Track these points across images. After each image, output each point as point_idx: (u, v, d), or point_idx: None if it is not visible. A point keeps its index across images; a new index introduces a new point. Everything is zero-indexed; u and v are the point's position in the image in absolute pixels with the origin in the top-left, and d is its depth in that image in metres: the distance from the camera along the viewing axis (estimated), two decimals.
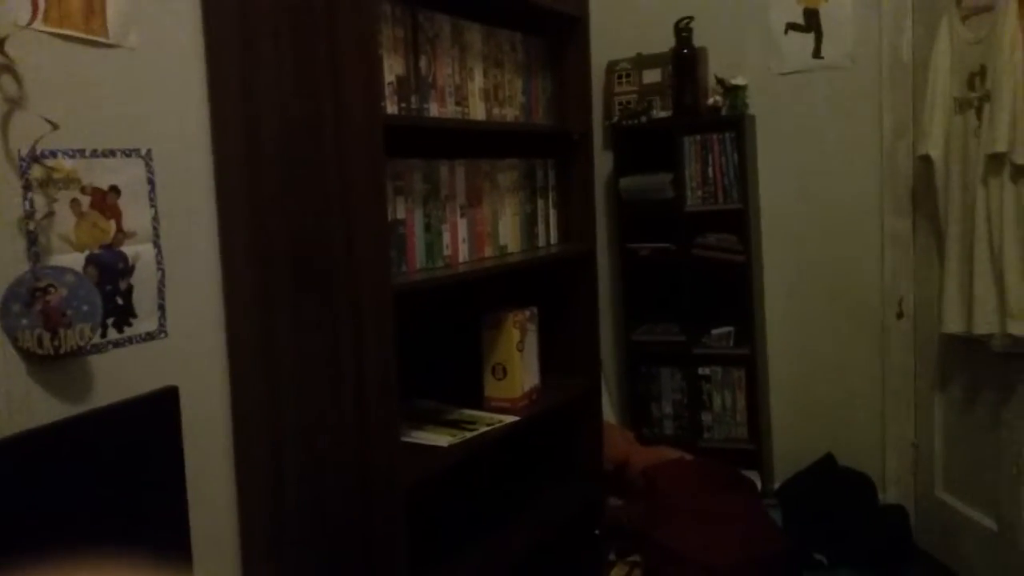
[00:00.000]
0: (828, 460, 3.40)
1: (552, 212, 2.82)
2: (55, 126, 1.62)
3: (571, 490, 2.80)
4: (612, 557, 2.88)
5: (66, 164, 1.66)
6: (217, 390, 2.02)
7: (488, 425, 2.29)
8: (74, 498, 1.48)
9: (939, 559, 3.09)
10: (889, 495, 3.36)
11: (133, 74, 1.82)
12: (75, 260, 1.67)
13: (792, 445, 3.55)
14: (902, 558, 3.10)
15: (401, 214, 2.15)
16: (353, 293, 1.86)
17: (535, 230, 2.73)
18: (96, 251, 1.72)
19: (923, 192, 3.12)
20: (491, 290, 2.78)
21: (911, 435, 3.30)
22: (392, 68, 2.10)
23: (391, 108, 2.10)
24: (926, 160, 2.95)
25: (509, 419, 2.34)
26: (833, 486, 3.28)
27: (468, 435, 2.20)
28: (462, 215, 2.37)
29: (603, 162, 3.71)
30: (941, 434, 3.11)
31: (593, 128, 2.90)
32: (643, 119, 3.51)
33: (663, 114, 3.51)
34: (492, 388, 2.46)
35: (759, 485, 3.29)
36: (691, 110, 3.41)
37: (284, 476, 2.00)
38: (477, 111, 2.44)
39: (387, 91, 2.08)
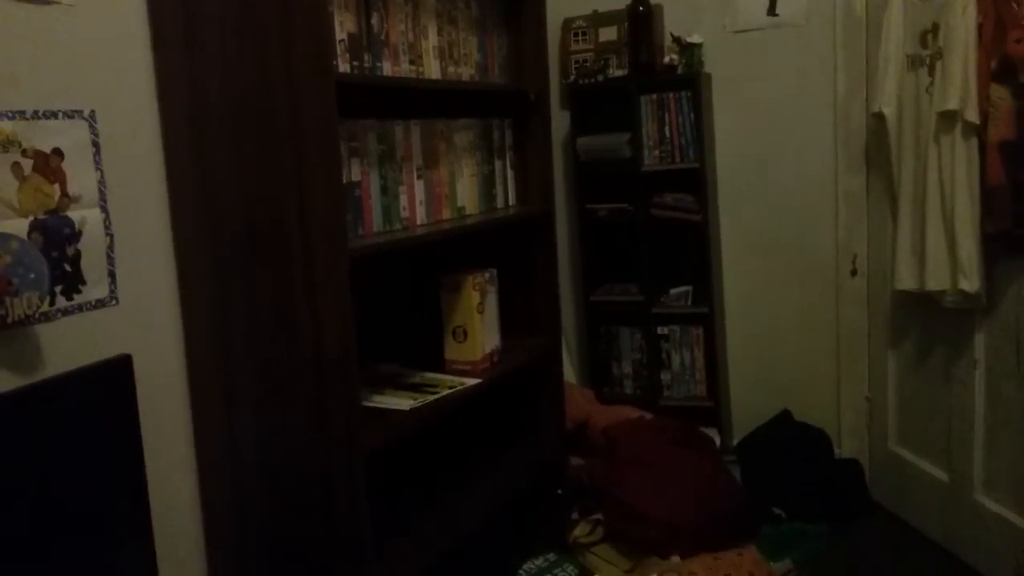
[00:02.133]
0: (785, 416, 3.45)
1: (510, 173, 2.79)
2: None
3: (533, 450, 2.81)
4: (574, 515, 2.90)
5: (5, 126, 1.60)
6: (172, 357, 1.98)
7: (449, 388, 2.28)
8: (26, 471, 1.44)
9: (893, 511, 3.16)
10: (844, 449, 3.42)
11: (73, 32, 1.75)
12: (19, 226, 1.62)
13: (750, 402, 3.60)
14: (857, 511, 3.16)
15: (357, 176, 2.11)
16: (308, 257, 1.83)
17: (493, 191, 2.71)
18: (41, 216, 1.67)
19: (877, 149, 3.14)
20: (450, 252, 2.76)
21: (865, 390, 3.35)
22: (343, 25, 2.05)
23: (343, 67, 2.05)
24: (879, 117, 2.96)
25: (470, 381, 2.34)
26: (790, 441, 3.33)
27: (430, 398, 2.19)
28: (419, 176, 2.34)
29: (560, 121, 3.67)
30: (894, 389, 3.17)
31: (550, 87, 2.87)
32: (600, 78, 3.49)
33: (619, 73, 3.49)
34: (453, 351, 2.45)
35: (718, 442, 3.34)
36: (647, 68, 3.39)
37: (243, 443, 1.98)
38: (431, 70, 2.40)
39: (338, 49, 2.03)
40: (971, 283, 2.55)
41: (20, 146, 1.63)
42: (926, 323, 2.92)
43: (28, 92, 1.66)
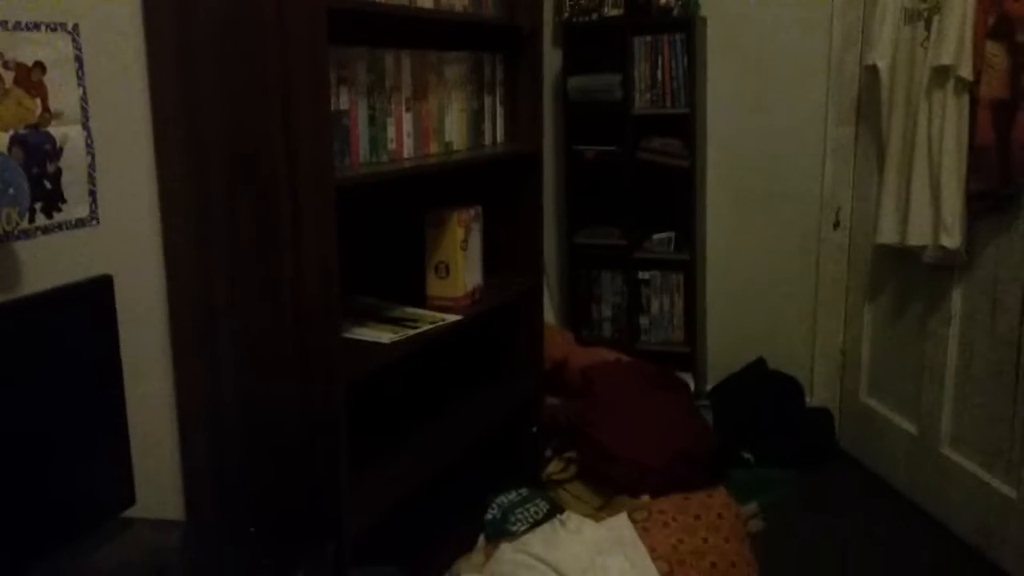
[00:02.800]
0: (759, 364, 3.50)
1: (499, 109, 2.76)
2: None
3: (510, 387, 2.83)
4: (548, 453, 2.94)
5: None
6: (152, 280, 1.96)
7: (430, 323, 2.28)
8: (3, 389, 1.43)
9: (861, 460, 3.23)
10: (816, 399, 3.48)
11: None
12: None
13: (726, 349, 3.64)
14: (826, 458, 3.23)
15: (345, 105, 2.08)
16: (293, 184, 1.81)
17: (481, 127, 2.68)
18: (21, 131, 1.63)
19: (868, 102, 3.13)
20: (435, 187, 2.73)
21: (840, 342, 3.40)
22: None
23: None
24: (872, 70, 2.95)
25: (451, 317, 2.34)
26: (762, 389, 3.39)
27: (410, 332, 2.19)
28: (408, 109, 2.31)
29: (551, 60, 3.63)
30: (868, 342, 3.21)
31: (543, 23, 2.82)
32: (594, 16, 3.44)
33: (615, 12, 3.44)
34: (435, 287, 2.45)
35: (692, 387, 3.38)
36: (643, 9, 3.35)
37: (222, 370, 1.97)
38: None
39: None
40: (953, 239, 2.57)
41: (1, 57, 1.58)
42: (905, 278, 2.95)
43: (9, 2, 1.61)
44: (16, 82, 1.61)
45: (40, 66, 1.66)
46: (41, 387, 1.49)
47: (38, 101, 1.66)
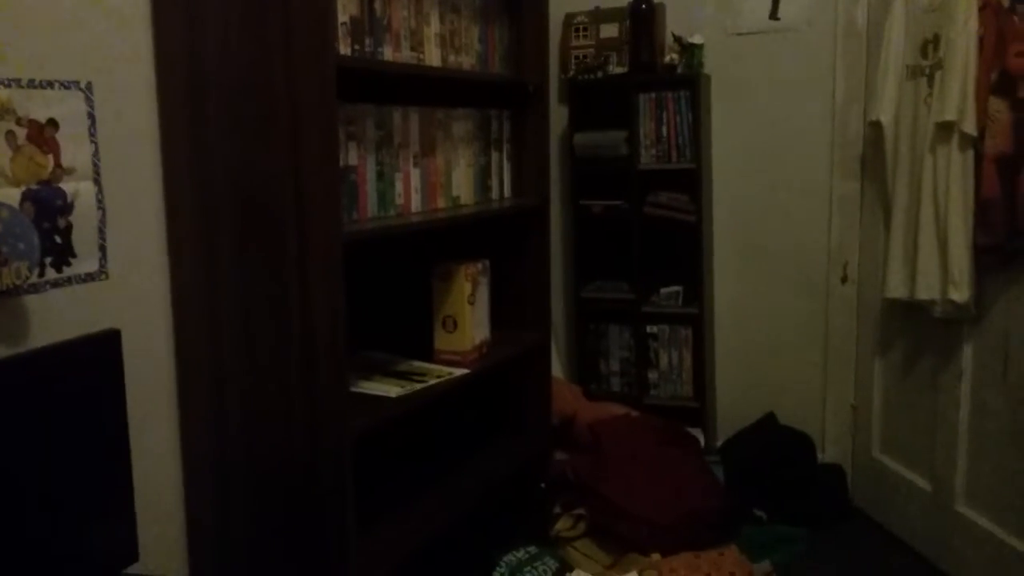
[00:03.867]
0: (770, 419, 3.46)
1: (506, 165, 2.79)
2: None
3: (518, 443, 2.81)
4: (557, 510, 2.90)
5: (1, 93, 1.58)
6: (160, 334, 1.97)
7: (438, 377, 2.27)
8: (10, 442, 1.43)
9: (874, 517, 3.17)
10: (828, 455, 3.43)
11: (72, 1, 1.74)
12: (10, 195, 1.60)
13: (735, 404, 3.60)
14: (838, 516, 3.18)
15: (353, 160, 2.10)
16: (302, 240, 1.82)
17: (488, 183, 2.70)
18: (33, 187, 1.65)
19: (872, 158, 3.15)
20: (442, 242, 2.75)
21: (851, 397, 3.37)
22: (345, 8, 2.03)
23: (344, 50, 2.03)
24: (876, 126, 2.97)
25: (459, 372, 2.33)
26: (774, 445, 3.34)
27: (417, 386, 2.18)
28: (415, 164, 2.33)
29: (558, 117, 3.67)
30: (880, 397, 3.18)
31: (549, 81, 2.86)
32: (599, 74, 3.48)
33: (619, 70, 3.49)
34: (442, 341, 2.44)
35: (702, 442, 3.34)
36: (647, 67, 3.39)
37: (229, 424, 1.97)
38: (432, 57, 2.39)
39: (340, 32, 2.02)
40: (961, 293, 2.56)
41: (15, 114, 1.61)
42: (914, 332, 2.93)
43: (26, 60, 1.64)
44: (29, 139, 1.64)
45: (53, 123, 1.68)
46: (47, 441, 1.49)
47: (50, 157, 1.68)
